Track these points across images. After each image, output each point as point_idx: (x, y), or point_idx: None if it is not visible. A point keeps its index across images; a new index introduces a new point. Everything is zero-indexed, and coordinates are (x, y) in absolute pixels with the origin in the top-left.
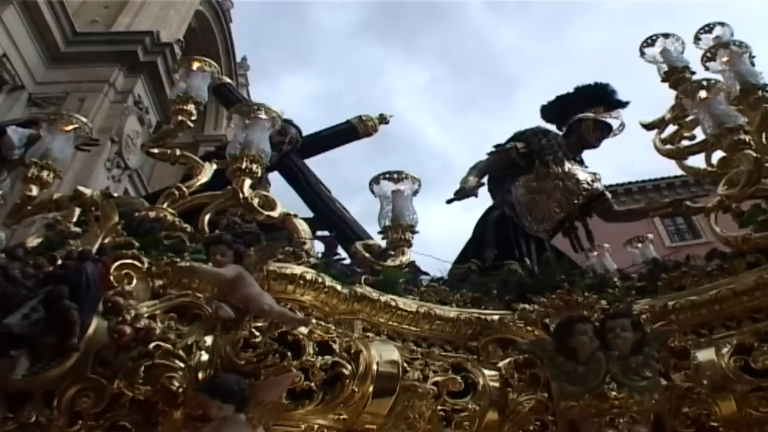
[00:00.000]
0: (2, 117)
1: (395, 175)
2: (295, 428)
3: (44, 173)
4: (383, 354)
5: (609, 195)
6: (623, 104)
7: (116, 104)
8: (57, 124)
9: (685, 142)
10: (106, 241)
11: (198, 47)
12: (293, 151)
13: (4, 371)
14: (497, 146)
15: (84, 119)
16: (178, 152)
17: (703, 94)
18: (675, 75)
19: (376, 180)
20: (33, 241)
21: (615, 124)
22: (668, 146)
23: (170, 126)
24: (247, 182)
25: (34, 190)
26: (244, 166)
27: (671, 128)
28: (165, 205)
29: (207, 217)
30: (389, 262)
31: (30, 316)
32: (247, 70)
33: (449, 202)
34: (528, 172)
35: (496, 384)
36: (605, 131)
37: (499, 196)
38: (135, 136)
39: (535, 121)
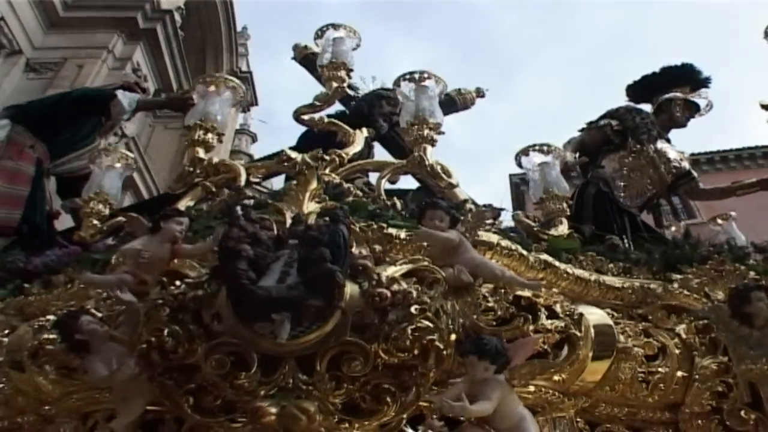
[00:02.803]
0: None
1: (544, 148)
2: (523, 388)
3: (209, 136)
4: (593, 318)
5: (695, 174)
6: (708, 83)
7: (114, 71)
8: (211, 86)
9: None
10: (312, 205)
11: (198, 15)
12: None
13: (261, 335)
14: (590, 123)
15: (237, 81)
16: (326, 119)
17: None
18: None
19: (524, 152)
20: (187, 203)
21: (702, 103)
22: None
23: (326, 93)
24: (429, 149)
25: (201, 153)
26: (425, 133)
27: None
28: (327, 171)
29: (383, 182)
30: (552, 232)
31: (285, 279)
32: (248, 39)
33: None
34: (621, 149)
35: (679, 348)
36: (693, 111)
37: (591, 172)
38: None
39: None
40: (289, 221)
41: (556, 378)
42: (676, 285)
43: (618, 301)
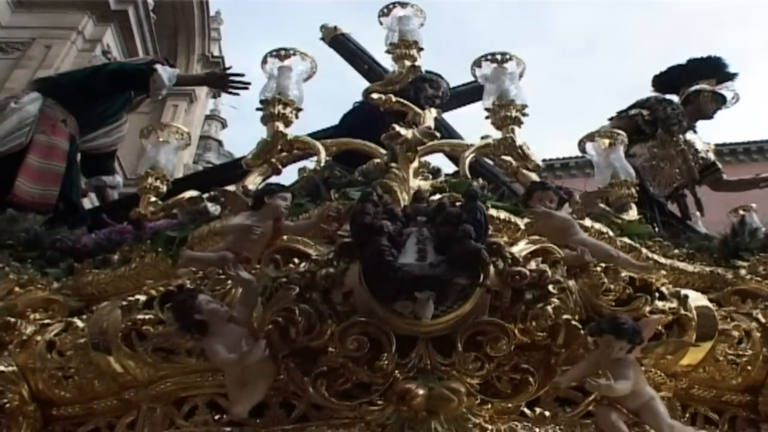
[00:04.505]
0: None
1: (609, 134)
2: None
3: (287, 110)
4: (693, 300)
5: (720, 165)
6: (734, 76)
7: (84, 53)
8: (283, 61)
9: None
10: (418, 183)
11: None
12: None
13: (399, 314)
14: (620, 112)
15: (310, 55)
16: (393, 99)
17: None
18: None
19: (590, 138)
20: (255, 179)
21: (728, 96)
22: None
23: (400, 71)
24: (517, 130)
25: (281, 127)
26: (513, 114)
27: None
28: None
29: (467, 162)
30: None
31: (424, 257)
32: (221, 24)
33: None
34: (650, 139)
35: (759, 332)
36: (720, 103)
37: None
38: None
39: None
40: (403, 199)
41: (662, 360)
42: (743, 271)
43: (688, 285)
